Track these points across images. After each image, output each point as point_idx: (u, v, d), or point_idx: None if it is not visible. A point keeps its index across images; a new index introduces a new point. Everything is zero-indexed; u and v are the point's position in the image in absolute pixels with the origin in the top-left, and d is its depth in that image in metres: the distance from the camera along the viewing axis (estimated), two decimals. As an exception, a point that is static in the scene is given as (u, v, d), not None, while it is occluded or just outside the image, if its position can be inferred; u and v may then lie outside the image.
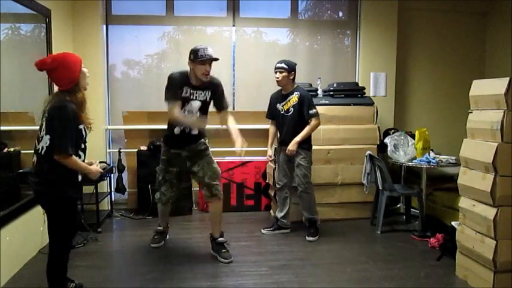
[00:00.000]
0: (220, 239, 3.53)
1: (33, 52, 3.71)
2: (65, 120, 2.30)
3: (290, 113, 3.94)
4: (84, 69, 2.46)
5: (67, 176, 2.40)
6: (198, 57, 3.23)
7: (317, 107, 4.00)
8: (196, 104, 3.37)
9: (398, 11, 5.13)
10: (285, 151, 3.95)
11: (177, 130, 3.41)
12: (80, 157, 2.45)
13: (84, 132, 2.46)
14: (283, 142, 4.02)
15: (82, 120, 2.42)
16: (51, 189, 2.39)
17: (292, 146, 3.88)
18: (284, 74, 3.89)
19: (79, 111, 2.39)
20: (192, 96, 3.35)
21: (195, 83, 3.34)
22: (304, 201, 4.02)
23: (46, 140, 2.33)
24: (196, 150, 3.47)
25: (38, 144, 2.39)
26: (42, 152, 2.35)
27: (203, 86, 3.37)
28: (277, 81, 3.95)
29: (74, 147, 2.35)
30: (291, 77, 3.93)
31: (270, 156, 4.14)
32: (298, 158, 3.93)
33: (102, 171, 2.62)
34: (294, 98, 3.93)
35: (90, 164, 2.54)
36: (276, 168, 4.14)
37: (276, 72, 3.93)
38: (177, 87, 3.28)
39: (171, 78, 3.32)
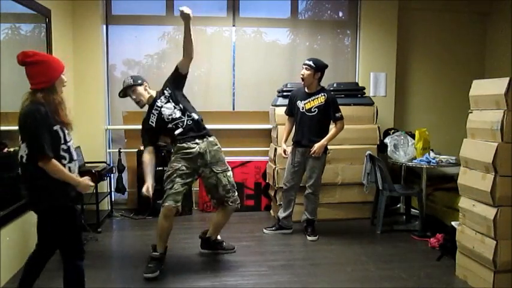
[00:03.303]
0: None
1: (33, 52, 3.71)
2: (35, 126, 2.19)
3: (313, 113, 3.85)
4: (63, 77, 2.36)
5: (54, 182, 2.24)
6: None
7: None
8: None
9: (398, 11, 5.12)
10: (300, 152, 3.89)
11: None
12: (64, 159, 2.30)
13: (62, 133, 2.30)
14: (299, 143, 3.92)
15: (59, 121, 2.28)
16: (42, 199, 2.28)
17: (319, 148, 3.79)
18: (309, 72, 3.82)
19: (53, 113, 2.25)
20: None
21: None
22: (310, 203, 4.00)
23: (24, 148, 2.24)
24: None
25: (19, 152, 2.29)
26: (24, 160, 2.26)
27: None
28: (301, 77, 3.87)
29: (50, 150, 2.20)
30: (316, 77, 3.85)
31: (285, 152, 3.99)
32: (314, 160, 3.88)
33: (92, 184, 2.44)
34: (320, 99, 3.85)
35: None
36: (287, 169, 4.05)
37: (302, 68, 3.88)
38: None
39: None
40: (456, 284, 3.09)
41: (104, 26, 4.89)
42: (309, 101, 3.88)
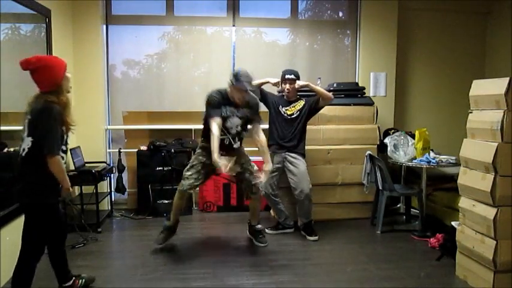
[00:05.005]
0: (258, 226, 3.84)
1: (33, 52, 3.69)
2: (51, 121, 2.31)
3: (296, 118, 3.99)
4: (67, 74, 2.48)
5: (48, 180, 2.38)
6: (237, 82, 3.35)
7: (317, 107, 4.07)
8: (235, 120, 3.49)
9: (398, 11, 5.13)
10: (281, 156, 3.95)
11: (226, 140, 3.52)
12: (62, 159, 2.42)
13: (64, 135, 2.44)
14: (283, 146, 3.97)
15: (65, 123, 2.41)
16: (34, 198, 2.39)
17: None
18: (293, 85, 3.98)
19: (63, 114, 2.39)
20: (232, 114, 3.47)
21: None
22: (305, 207, 3.97)
23: (28, 142, 2.34)
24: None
25: (21, 146, 2.39)
26: (24, 154, 2.36)
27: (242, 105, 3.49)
28: (287, 92, 3.99)
29: (60, 148, 2.35)
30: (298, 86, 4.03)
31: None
32: (298, 165, 3.92)
33: (71, 191, 2.60)
34: (301, 103, 4.02)
35: None
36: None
37: (285, 83, 3.98)
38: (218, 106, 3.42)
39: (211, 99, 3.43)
40: (456, 284, 3.09)
41: (104, 26, 4.89)
42: (290, 108, 4.03)
